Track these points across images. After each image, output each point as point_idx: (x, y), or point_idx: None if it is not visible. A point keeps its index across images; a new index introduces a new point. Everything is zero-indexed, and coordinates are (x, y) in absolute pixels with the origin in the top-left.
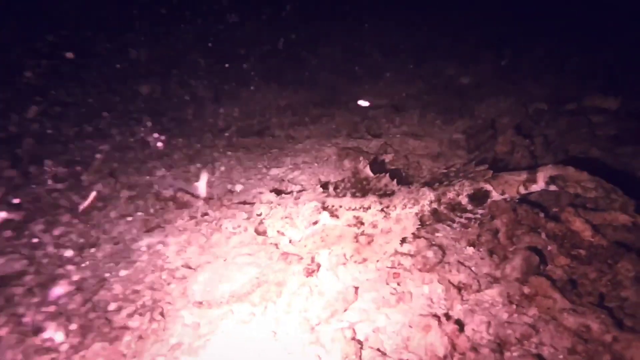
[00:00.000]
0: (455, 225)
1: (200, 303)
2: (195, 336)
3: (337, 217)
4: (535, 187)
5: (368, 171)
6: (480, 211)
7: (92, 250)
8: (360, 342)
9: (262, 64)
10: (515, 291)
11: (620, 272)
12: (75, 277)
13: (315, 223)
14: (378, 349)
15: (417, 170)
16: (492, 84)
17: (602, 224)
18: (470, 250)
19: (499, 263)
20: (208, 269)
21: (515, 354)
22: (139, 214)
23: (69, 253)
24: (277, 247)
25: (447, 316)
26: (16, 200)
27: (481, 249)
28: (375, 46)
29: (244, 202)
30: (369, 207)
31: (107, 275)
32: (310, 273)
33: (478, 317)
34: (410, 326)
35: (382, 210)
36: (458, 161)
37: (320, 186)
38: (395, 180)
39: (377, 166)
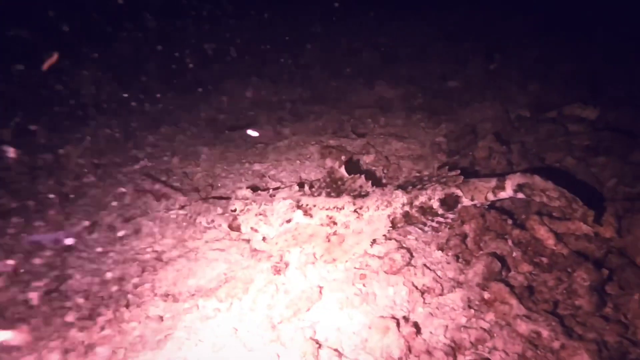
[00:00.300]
0: (426, 228)
1: (167, 296)
2: (158, 330)
3: (311, 216)
4: (503, 194)
5: (343, 171)
6: (451, 216)
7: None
8: (318, 342)
9: (258, 59)
10: (476, 296)
11: (576, 281)
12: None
13: (288, 221)
14: (336, 349)
15: (396, 172)
16: (478, 89)
17: (566, 233)
18: (438, 254)
19: (463, 268)
20: (178, 263)
21: (468, 358)
22: (115, 203)
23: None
24: (249, 244)
25: (406, 319)
26: None
27: (449, 254)
28: (370, 46)
29: (221, 197)
30: (343, 208)
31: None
32: (277, 271)
33: (437, 321)
34: (370, 327)
35: (355, 211)
36: (437, 165)
37: (297, 184)
38: (370, 182)
39: (355, 167)
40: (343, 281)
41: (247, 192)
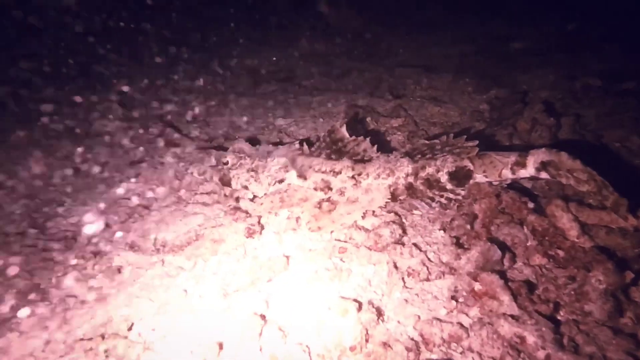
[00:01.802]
0: (434, 204)
1: (133, 247)
2: (113, 282)
3: (305, 178)
4: (524, 172)
5: (344, 131)
6: (462, 192)
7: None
8: (265, 318)
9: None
10: (465, 286)
11: (590, 282)
12: None
13: (280, 181)
14: (280, 329)
15: (418, 140)
16: (547, 52)
17: (597, 224)
18: (439, 234)
19: (461, 253)
20: (159, 214)
21: (433, 356)
22: (131, 144)
23: None
24: (236, 201)
25: (372, 303)
26: None
27: (452, 234)
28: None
29: (220, 147)
30: (340, 172)
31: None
32: (250, 234)
33: (411, 309)
34: (329, 308)
35: (352, 177)
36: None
37: (299, 141)
38: (375, 146)
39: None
40: (320, 253)
41: (245, 145)
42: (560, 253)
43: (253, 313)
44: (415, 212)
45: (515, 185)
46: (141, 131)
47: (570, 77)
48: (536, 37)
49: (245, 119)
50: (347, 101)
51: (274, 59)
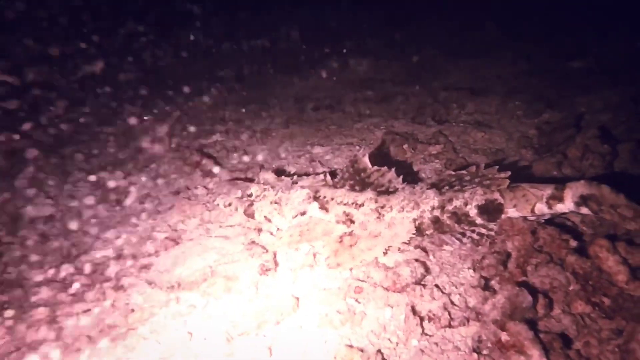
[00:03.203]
0: (465, 240)
1: (151, 284)
2: (127, 321)
3: (327, 210)
4: (561, 207)
5: (366, 162)
6: (494, 227)
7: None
8: None
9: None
10: (490, 336)
11: (637, 338)
12: None
13: (302, 214)
14: None
15: (457, 168)
16: (612, 71)
17: None
18: (468, 274)
19: (490, 297)
20: (183, 246)
21: None
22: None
23: None
24: (258, 234)
25: (381, 353)
26: None
27: (480, 275)
28: (493, 17)
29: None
30: (362, 204)
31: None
32: (264, 271)
33: None
34: (335, 357)
35: (376, 209)
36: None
37: (324, 173)
38: (401, 177)
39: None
40: (335, 293)
41: (270, 176)
42: (606, 301)
43: None
44: (444, 247)
45: (555, 221)
46: (179, 162)
47: (637, 98)
48: (601, 54)
49: (285, 147)
50: (386, 127)
51: (320, 86)
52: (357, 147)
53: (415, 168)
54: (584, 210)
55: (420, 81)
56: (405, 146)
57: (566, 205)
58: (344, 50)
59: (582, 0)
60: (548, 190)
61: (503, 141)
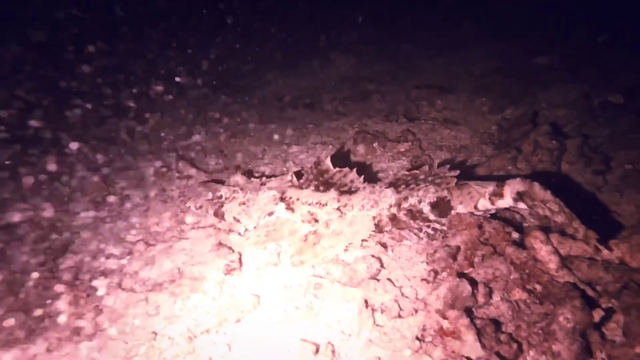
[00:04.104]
0: (422, 234)
1: (121, 286)
2: (95, 324)
3: (292, 210)
4: (502, 203)
5: (329, 163)
6: (445, 222)
7: None
8: None
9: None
10: (433, 325)
11: (557, 321)
12: None
13: (270, 214)
14: None
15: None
16: (574, 67)
17: (580, 256)
18: (422, 267)
19: (435, 288)
20: (153, 248)
21: None
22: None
23: None
24: (228, 234)
25: (332, 345)
26: None
27: (431, 268)
28: (469, 15)
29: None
30: (326, 204)
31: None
32: (229, 271)
33: (374, 351)
34: (289, 351)
35: (338, 209)
36: (476, 158)
37: (291, 174)
38: (362, 176)
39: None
40: (296, 290)
41: (240, 178)
42: (538, 287)
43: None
44: (404, 242)
45: (502, 215)
46: (158, 164)
47: (591, 94)
48: (564, 50)
49: (262, 147)
50: (359, 126)
51: (301, 83)
52: (330, 147)
53: (384, 165)
54: (521, 205)
55: (396, 79)
56: (375, 144)
57: (506, 201)
58: (325, 48)
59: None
60: (490, 188)
61: (468, 137)
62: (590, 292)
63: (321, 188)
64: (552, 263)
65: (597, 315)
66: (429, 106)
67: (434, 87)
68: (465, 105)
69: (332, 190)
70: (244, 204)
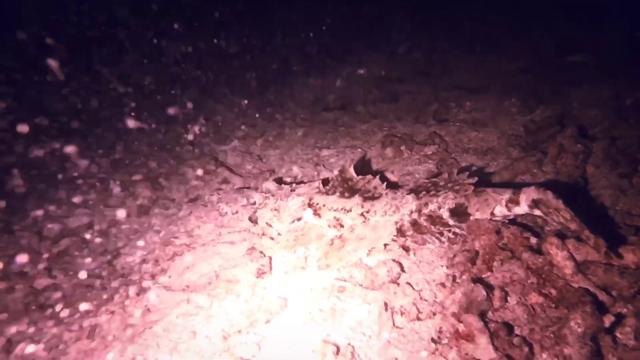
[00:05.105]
0: (443, 238)
1: (166, 287)
2: (144, 322)
3: (319, 216)
4: (518, 210)
5: (352, 172)
6: (464, 228)
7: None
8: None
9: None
10: (449, 328)
11: (568, 325)
12: None
13: (299, 219)
14: None
15: (450, 168)
16: (606, 65)
17: (595, 262)
18: (442, 271)
19: (452, 292)
20: (195, 252)
21: None
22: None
23: None
24: (260, 238)
25: (352, 346)
26: None
27: (453, 272)
28: (503, 13)
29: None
30: (350, 210)
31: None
32: (260, 274)
33: (392, 352)
34: (314, 351)
35: (362, 214)
36: (502, 161)
37: (319, 181)
38: (385, 183)
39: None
40: (321, 292)
41: (271, 185)
42: (553, 292)
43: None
44: (426, 246)
45: (519, 221)
46: (200, 171)
47: (625, 93)
48: (599, 47)
49: (295, 151)
50: (388, 129)
51: (335, 84)
52: (359, 150)
53: (410, 168)
54: (537, 212)
55: (427, 79)
56: (402, 147)
57: (522, 208)
58: (358, 48)
59: None
60: (507, 195)
61: (495, 139)
62: (604, 297)
63: (346, 194)
64: (568, 268)
65: (610, 319)
66: (458, 107)
67: (463, 87)
68: (494, 106)
69: (356, 196)
70: (275, 209)
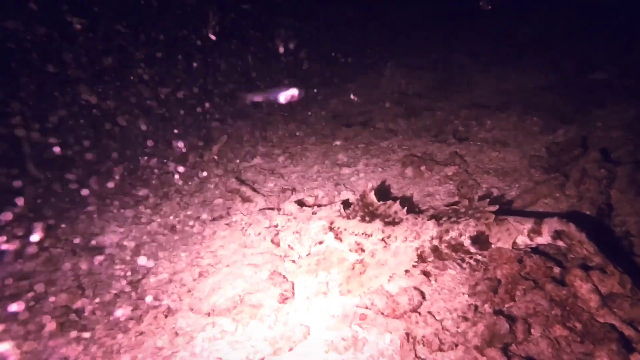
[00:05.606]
0: (464, 265)
1: (192, 310)
2: (172, 345)
3: (341, 240)
4: (541, 240)
5: (372, 197)
6: (486, 255)
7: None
8: None
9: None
10: None
11: None
12: None
13: (320, 243)
14: None
15: (469, 191)
16: (633, 83)
17: (623, 295)
18: (464, 299)
19: (475, 323)
20: (220, 273)
21: None
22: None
23: None
24: (283, 261)
25: None
26: None
27: (473, 301)
28: (525, 25)
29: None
30: (371, 235)
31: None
32: (283, 300)
33: None
34: None
35: (383, 239)
36: (524, 183)
37: (339, 204)
38: (405, 208)
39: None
40: (342, 320)
41: (293, 207)
42: (578, 325)
43: None
44: (447, 272)
45: (538, 250)
46: (223, 189)
47: None
48: (624, 64)
49: (316, 169)
50: (408, 147)
51: (355, 100)
52: (380, 169)
53: (431, 189)
54: (560, 243)
55: (447, 94)
56: (422, 168)
57: (544, 239)
58: (378, 61)
59: (613, 9)
60: (528, 225)
61: (516, 160)
62: (631, 332)
63: (367, 219)
64: (593, 302)
65: (637, 358)
66: (479, 125)
67: (484, 104)
68: (516, 125)
69: (377, 220)
70: (297, 232)
